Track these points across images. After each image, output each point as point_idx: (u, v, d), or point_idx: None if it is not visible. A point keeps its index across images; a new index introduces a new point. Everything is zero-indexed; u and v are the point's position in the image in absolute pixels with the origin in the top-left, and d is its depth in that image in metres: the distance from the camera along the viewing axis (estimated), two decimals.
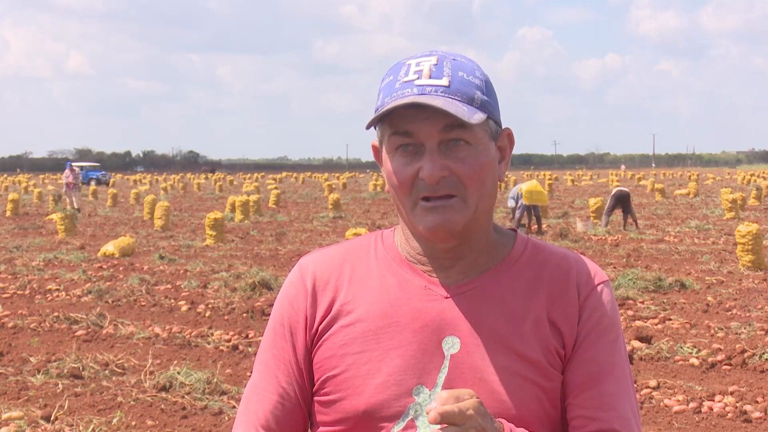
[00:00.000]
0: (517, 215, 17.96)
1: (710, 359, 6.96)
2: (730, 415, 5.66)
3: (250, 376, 1.47)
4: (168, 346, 7.70)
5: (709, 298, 9.72)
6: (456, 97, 1.28)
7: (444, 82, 1.29)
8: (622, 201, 19.16)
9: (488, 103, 1.33)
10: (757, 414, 5.62)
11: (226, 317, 8.94)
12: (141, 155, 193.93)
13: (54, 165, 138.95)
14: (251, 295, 9.90)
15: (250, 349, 7.47)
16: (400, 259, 1.40)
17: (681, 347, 7.32)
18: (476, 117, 1.28)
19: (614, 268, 12.50)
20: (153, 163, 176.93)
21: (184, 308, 9.42)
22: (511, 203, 18.34)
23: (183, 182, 60.03)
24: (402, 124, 1.30)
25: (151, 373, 6.59)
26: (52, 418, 5.58)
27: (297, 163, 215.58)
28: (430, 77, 1.30)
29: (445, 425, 1.16)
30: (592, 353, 1.35)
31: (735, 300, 9.64)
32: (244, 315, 8.95)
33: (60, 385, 6.36)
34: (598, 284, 1.40)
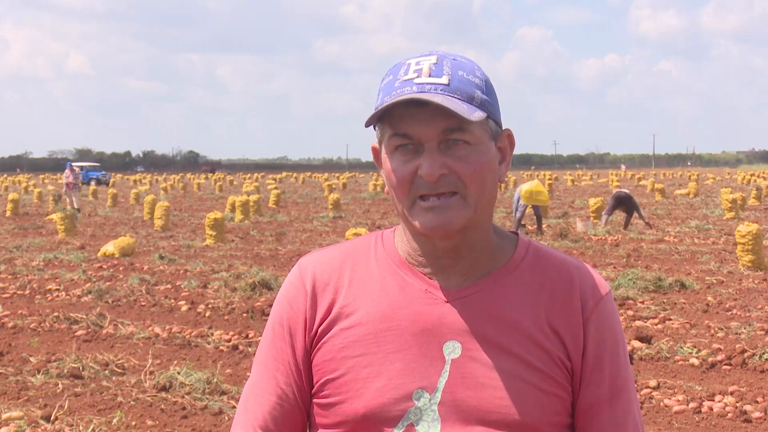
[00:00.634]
0: (517, 216, 17.95)
1: (710, 359, 6.96)
2: (730, 415, 5.66)
3: (249, 376, 1.46)
4: (168, 346, 7.70)
5: (709, 298, 9.72)
6: (455, 95, 1.28)
7: (444, 80, 1.29)
8: (623, 203, 19.11)
9: (488, 103, 1.32)
10: (757, 414, 5.62)
11: (226, 317, 8.94)
12: (141, 155, 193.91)
13: (54, 165, 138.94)
14: (251, 295, 9.90)
15: (250, 349, 7.47)
16: (400, 261, 1.39)
17: (681, 347, 7.32)
18: (476, 115, 1.27)
19: (614, 268, 12.50)
20: (153, 163, 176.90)
21: (184, 308, 9.42)
22: (516, 205, 18.29)
23: (183, 182, 60.04)
24: (401, 125, 1.29)
25: (151, 373, 6.59)
26: (52, 418, 5.58)
27: (297, 163, 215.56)
28: (429, 75, 1.29)
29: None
30: (605, 373, 1.37)
31: (735, 300, 9.64)
32: (244, 315, 8.95)
33: (60, 385, 6.36)
34: (602, 297, 1.39)
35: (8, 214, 26.52)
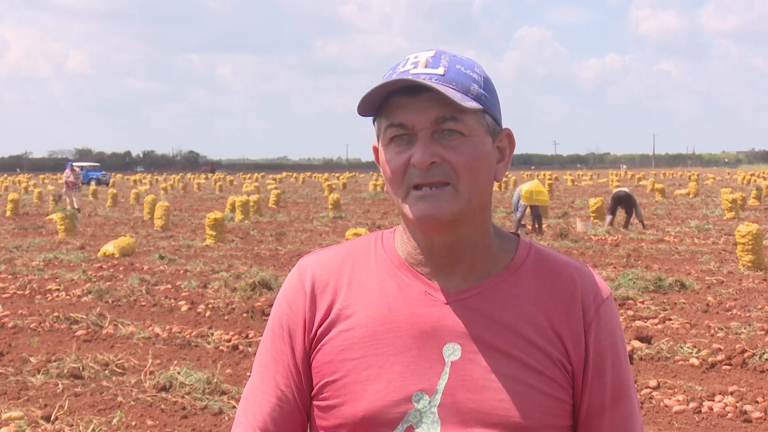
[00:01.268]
0: (517, 216, 17.95)
1: (710, 359, 6.96)
2: (730, 415, 5.66)
3: (249, 376, 1.46)
4: (168, 346, 7.70)
5: (709, 298, 9.72)
6: (450, 85, 1.28)
7: (440, 71, 1.29)
8: (622, 201, 19.11)
9: (485, 97, 1.32)
10: (757, 414, 5.62)
11: (226, 317, 8.94)
12: (141, 155, 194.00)
13: (54, 165, 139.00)
14: (251, 295, 9.90)
15: (250, 349, 7.47)
16: (400, 262, 1.39)
17: (681, 347, 7.32)
18: (469, 104, 1.27)
19: (614, 268, 12.50)
20: (153, 163, 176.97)
21: (184, 308, 9.42)
22: (515, 206, 18.29)
23: (183, 182, 60.04)
24: (396, 114, 1.30)
25: (151, 373, 6.59)
26: (52, 418, 5.58)
27: (297, 163, 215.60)
28: (426, 66, 1.30)
29: None
30: (607, 377, 1.36)
31: (735, 300, 9.64)
32: (244, 315, 8.95)
33: (60, 385, 6.36)
34: (603, 301, 1.38)
35: (8, 214, 26.53)
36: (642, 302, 9.45)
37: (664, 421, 5.60)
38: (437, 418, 1.30)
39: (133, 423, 5.53)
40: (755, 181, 52.36)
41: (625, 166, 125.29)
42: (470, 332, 1.32)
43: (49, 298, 10.22)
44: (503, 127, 1.38)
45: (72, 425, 5.43)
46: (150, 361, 6.91)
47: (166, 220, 20.58)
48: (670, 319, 8.51)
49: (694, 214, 24.82)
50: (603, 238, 17.16)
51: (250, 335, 7.92)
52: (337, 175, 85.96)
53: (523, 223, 18.37)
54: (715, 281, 11.09)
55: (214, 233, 16.82)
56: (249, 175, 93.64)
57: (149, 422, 5.56)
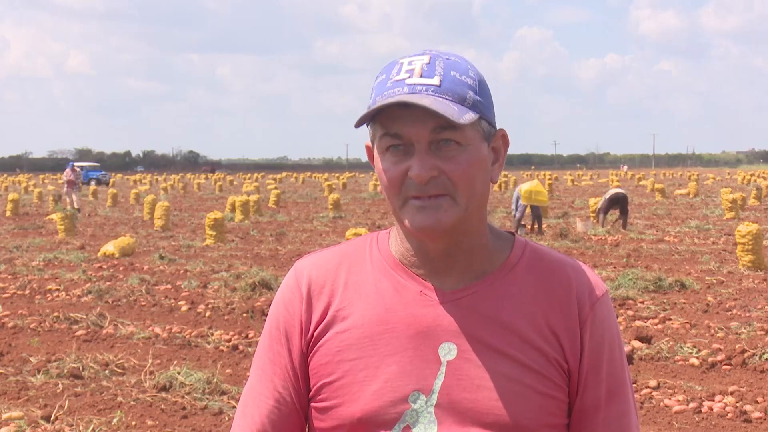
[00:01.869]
0: (516, 216, 17.96)
1: (710, 359, 6.96)
2: (730, 415, 5.66)
3: (248, 379, 1.47)
4: (168, 346, 7.71)
5: (709, 298, 9.72)
6: (447, 97, 1.27)
7: (435, 81, 1.28)
8: (619, 202, 19.14)
9: (481, 103, 1.31)
10: (757, 414, 5.62)
11: (226, 317, 8.94)
12: (141, 155, 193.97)
13: (54, 165, 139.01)
14: (251, 295, 9.90)
15: (250, 349, 7.47)
16: (395, 263, 1.39)
17: (681, 347, 7.32)
18: (466, 117, 1.26)
19: (614, 268, 12.50)
20: (153, 163, 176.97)
21: (184, 308, 9.42)
22: (515, 205, 18.31)
23: (183, 182, 60.06)
24: (392, 125, 1.29)
25: (151, 373, 6.59)
26: (52, 418, 5.59)
27: (297, 163, 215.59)
28: (421, 76, 1.29)
29: None
30: (603, 374, 1.36)
31: (735, 300, 9.64)
32: (244, 315, 8.95)
33: (60, 385, 6.37)
34: (599, 298, 1.38)
35: (8, 214, 26.54)
36: (642, 302, 9.46)
37: (664, 421, 5.61)
38: (434, 417, 1.30)
39: (133, 423, 5.53)
40: (755, 181, 52.38)
41: (626, 166, 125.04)
42: (466, 332, 1.32)
43: (49, 298, 10.23)
44: (497, 127, 1.38)
45: (72, 425, 5.44)
46: (150, 361, 6.91)
47: (166, 220, 20.59)
48: (670, 319, 8.51)
49: (694, 214, 24.83)
50: (603, 238, 17.17)
51: (250, 335, 7.92)
52: (337, 175, 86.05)
53: (523, 222, 18.37)
54: (715, 281, 11.09)
55: (214, 233, 16.82)
56: (249, 175, 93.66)
57: (149, 422, 5.56)
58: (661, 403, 5.89)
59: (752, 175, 66.90)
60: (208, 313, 9.10)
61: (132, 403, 5.94)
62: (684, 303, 9.43)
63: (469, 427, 1.29)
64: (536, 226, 18.21)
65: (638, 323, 8.30)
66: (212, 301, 9.65)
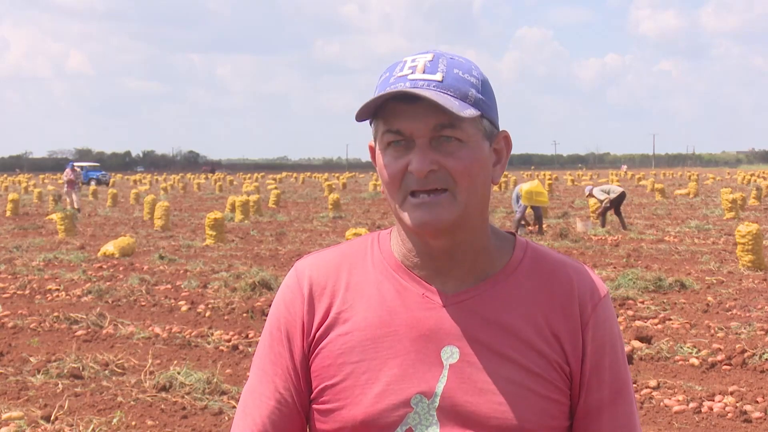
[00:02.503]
0: (516, 216, 17.96)
1: (710, 359, 6.96)
2: (730, 415, 5.66)
3: (248, 380, 1.47)
4: (168, 346, 7.70)
5: (709, 298, 9.72)
6: (448, 92, 1.27)
7: (437, 77, 1.28)
8: (619, 201, 19.16)
9: (483, 102, 1.31)
10: (757, 414, 5.62)
11: (226, 317, 8.94)
12: (141, 155, 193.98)
13: (54, 165, 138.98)
14: (251, 295, 9.90)
15: (250, 349, 7.47)
16: (397, 265, 1.39)
17: (681, 347, 7.32)
18: (467, 112, 1.26)
19: (614, 268, 12.50)
20: (153, 163, 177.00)
21: (184, 308, 9.42)
22: (515, 205, 18.31)
23: (183, 182, 60.06)
24: (393, 121, 1.29)
25: (151, 373, 6.59)
26: (52, 418, 5.58)
27: (297, 163, 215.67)
28: (423, 72, 1.29)
29: None
30: (605, 376, 1.36)
31: (735, 300, 9.64)
32: (244, 315, 8.95)
33: (60, 385, 6.36)
34: (600, 300, 1.38)
35: (8, 214, 26.53)
36: (642, 302, 9.45)
37: (664, 421, 5.60)
38: (436, 420, 1.30)
39: (133, 423, 5.53)
40: (755, 181, 52.36)
41: (625, 166, 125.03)
42: (468, 335, 1.32)
43: (49, 298, 10.22)
44: (500, 129, 1.38)
45: (72, 425, 5.43)
46: (150, 361, 6.91)
47: (166, 220, 20.58)
48: (670, 319, 8.51)
49: (694, 214, 24.83)
50: (603, 238, 17.17)
51: (250, 335, 7.92)
52: (337, 175, 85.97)
53: (523, 222, 18.36)
54: (715, 281, 11.09)
55: (214, 233, 16.82)
56: (249, 175, 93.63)
57: (149, 422, 5.56)
58: (661, 403, 5.89)
59: (752, 175, 66.88)
60: (208, 313, 9.10)
61: (132, 403, 5.94)
62: (684, 303, 9.43)
63: (471, 431, 1.29)
64: (536, 226, 18.20)
65: (638, 323, 8.30)
66: (212, 301, 9.65)
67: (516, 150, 1.42)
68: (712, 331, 8.02)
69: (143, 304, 9.72)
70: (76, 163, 38.25)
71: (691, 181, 44.29)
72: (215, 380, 6.21)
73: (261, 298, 9.72)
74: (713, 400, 5.92)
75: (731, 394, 6.05)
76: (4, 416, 5.56)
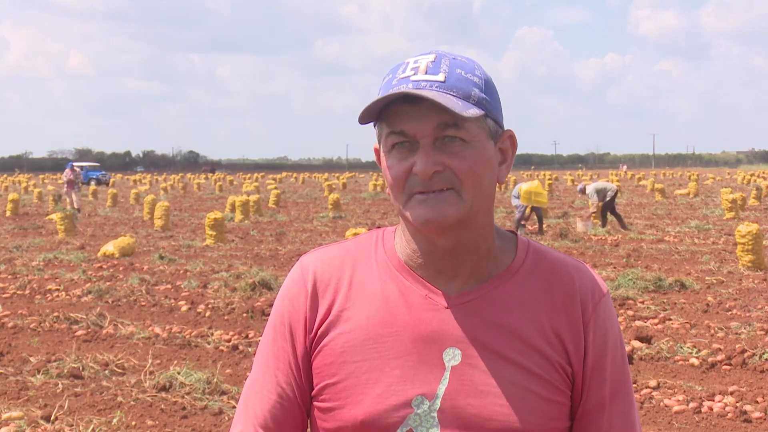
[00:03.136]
0: (516, 216, 17.96)
1: (710, 359, 6.96)
2: (730, 415, 5.66)
3: (250, 373, 1.47)
4: (168, 346, 7.70)
5: (709, 298, 9.72)
6: (451, 92, 1.27)
7: (440, 77, 1.28)
8: (611, 203, 19.16)
9: (486, 101, 1.31)
10: (757, 414, 5.62)
11: (226, 317, 8.94)
12: (141, 155, 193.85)
13: (54, 165, 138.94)
14: (251, 295, 9.90)
15: (250, 349, 7.47)
16: (400, 265, 1.38)
17: (681, 347, 7.32)
18: (470, 111, 1.26)
19: (614, 268, 12.50)
20: (153, 163, 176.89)
21: (184, 308, 9.42)
22: (515, 201, 18.30)
23: (183, 182, 60.04)
24: (397, 123, 1.29)
25: (151, 373, 6.59)
26: (52, 418, 5.58)
27: (297, 163, 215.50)
28: (426, 73, 1.29)
29: None
30: (606, 374, 1.37)
31: (735, 300, 9.64)
32: (244, 315, 8.95)
33: (60, 385, 6.36)
34: (601, 299, 1.39)
35: (8, 214, 26.53)
36: (642, 302, 9.45)
37: (664, 421, 5.60)
38: (437, 422, 1.30)
39: (133, 423, 5.53)
40: (755, 181, 52.36)
41: (625, 166, 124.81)
42: (470, 336, 1.32)
43: (49, 298, 10.22)
44: (505, 128, 1.38)
45: (72, 425, 5.43)
46: (150, 361, 6.91)
47: (166, 220, 20.58)
48: (670, 319, 8.51)
49: (694, 214, 24.82)
50: (603, 238, 17.17)
51: (250, 335, 7.92)
52: (337, 175, 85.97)
53: (523, 222, 18.36)
54: (715, 281, 11.09)
55: (214, 233, 16.82)
56: (249, 175, 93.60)
57: (149, 422, 5.56)
58: (661, 403, 5.89)
59: (752, 175, 66.88)
60: (208, 313, 9.10)
61: (132, 403, 5.94)
62: (684, 303, 9.43)
63: None
64: (536, 225, 18.19)
65: (638, 323, 8.30)
66: (212, 301, 9.65)
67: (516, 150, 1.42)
68: (712, 331, 8.02)
69: (143, 304, 9.72)
70: (75, 163, 38.23)
71: (691, 181, 44.28)
72: (215, 380, 6.21)
73: (261, 298, 9.72)
74: (713, 400, 5.92)
75: (731, 394, 6.06)
76: (4, 416, 5.56)
